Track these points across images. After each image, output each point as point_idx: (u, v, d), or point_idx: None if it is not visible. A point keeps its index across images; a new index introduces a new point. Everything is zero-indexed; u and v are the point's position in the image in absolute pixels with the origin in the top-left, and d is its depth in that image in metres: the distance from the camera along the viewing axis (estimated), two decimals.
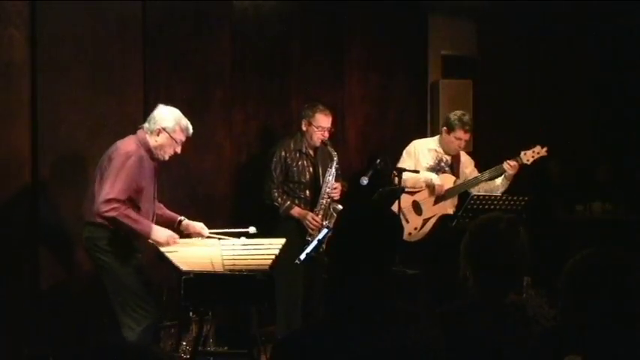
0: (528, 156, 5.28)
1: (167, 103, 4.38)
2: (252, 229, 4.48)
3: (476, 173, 5.54)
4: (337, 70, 6.30)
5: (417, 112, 6.83)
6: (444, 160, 5.54)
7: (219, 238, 4.43)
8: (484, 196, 5.16)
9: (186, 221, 4.52)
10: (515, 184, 5.41)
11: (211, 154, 5.54)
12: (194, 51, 5.42)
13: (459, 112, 5.52)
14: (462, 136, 5.42)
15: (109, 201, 4.00)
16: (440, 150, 5.54)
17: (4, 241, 4.55)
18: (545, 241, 5.34)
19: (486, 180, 5.40)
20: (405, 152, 5.56)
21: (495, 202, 5.12)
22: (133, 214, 4.07)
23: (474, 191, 5.36)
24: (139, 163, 4.14)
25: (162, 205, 4.56)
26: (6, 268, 4.55)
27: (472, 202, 5.11)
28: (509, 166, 5.25)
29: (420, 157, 5.51)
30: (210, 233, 4.48)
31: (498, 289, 2.48)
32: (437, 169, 5.51)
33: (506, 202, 5.12)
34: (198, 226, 4.50)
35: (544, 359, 2.33)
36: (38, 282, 4.69)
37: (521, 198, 5.14)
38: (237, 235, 4.45)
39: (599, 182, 7.35)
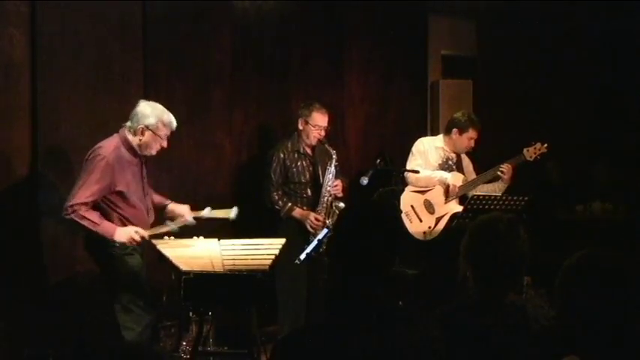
0: (531, 152, 5.36)
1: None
2: (234, 210, 4.42)
3: (474, 174, 5.59)
4: (337, 70, 6.30)
5: (417, 112, 6.83)
6: (451, 158, 5.55)
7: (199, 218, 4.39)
8: (484, 196, 5.16)
9: (171, 205, 4.47)
10: (515, 184, 5.41)
11: (211, 154, 5.54)
12: (194, 51, 5.42)
13: (465, 113, 5.57)
14: (474, 135, 5.47)
15: (71, 206, 3.99)
16: (447, 149, 5.54)
17: (5, 242, 4.55)
18: (546, 242, 5.32)
19: (485, 182, 5.43)
20: (415, 150, 5.53)
21: (495, 202, 5.12)
22: (93, 216, 4.01)
23: (474, 191, 5.37)
24: (113, 166, 4.07)
25: (151, 191, 4.46)
26: (6, 268, 4.55)
27: (472, 202, 5.11)
28: (504, 171, 5.32)
29: (429, 155, 5.51)
30: (193, 217, 4.40)
31: (498, 289, 2.48)
32: (445, 167, 5.52)
33: (506, 202, 5.12)
34: (183, 208, 4.43)
35: (543, 359, 2.33)
36: (38, 283, 4.69)
37: (521, 198, 5.14)
38: (222, 218, 4.42)
39: (599, 182, 7.34)
